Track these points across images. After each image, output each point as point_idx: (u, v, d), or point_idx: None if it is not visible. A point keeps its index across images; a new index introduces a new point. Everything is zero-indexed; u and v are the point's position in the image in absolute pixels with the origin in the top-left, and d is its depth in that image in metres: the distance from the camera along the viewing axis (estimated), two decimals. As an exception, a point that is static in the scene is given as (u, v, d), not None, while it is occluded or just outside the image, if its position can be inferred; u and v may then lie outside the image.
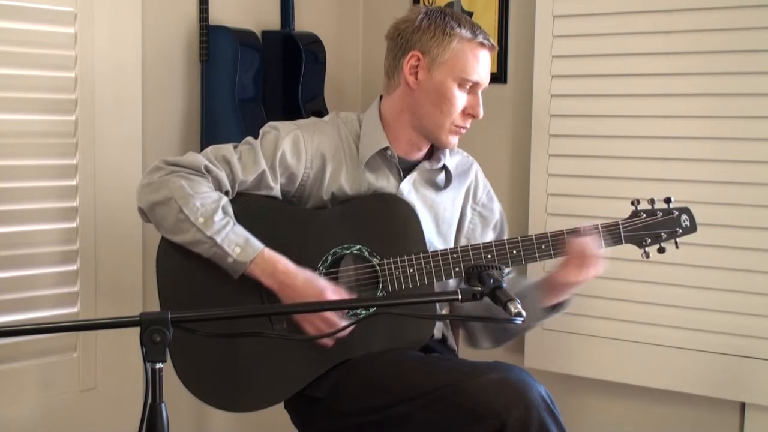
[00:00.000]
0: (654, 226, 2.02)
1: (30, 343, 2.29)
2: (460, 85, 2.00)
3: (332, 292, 1.92)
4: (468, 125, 2.06)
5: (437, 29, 1.99)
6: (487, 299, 1.54)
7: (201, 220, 1.89)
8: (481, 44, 2.01)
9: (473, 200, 2.18)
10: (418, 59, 2.01)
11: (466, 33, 2.00)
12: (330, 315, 1.93)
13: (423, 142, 2.08)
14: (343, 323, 1.91)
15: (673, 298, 2.41)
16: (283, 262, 1.92)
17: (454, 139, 2.06)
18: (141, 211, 1.99)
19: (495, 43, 2.05)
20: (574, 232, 2.00)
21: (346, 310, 1.97)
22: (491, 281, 1.56)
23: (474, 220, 2.17)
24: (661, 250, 2.04)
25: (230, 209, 1.95)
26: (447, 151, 2.11)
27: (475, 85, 2.02)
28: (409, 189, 2.08)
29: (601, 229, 2.01)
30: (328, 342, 1.94)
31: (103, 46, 2.37)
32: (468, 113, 2.03)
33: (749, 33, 2.28)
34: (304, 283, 1.91)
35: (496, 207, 2.22)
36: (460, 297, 1.52)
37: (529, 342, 2.62)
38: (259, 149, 2.01)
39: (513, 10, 2.68)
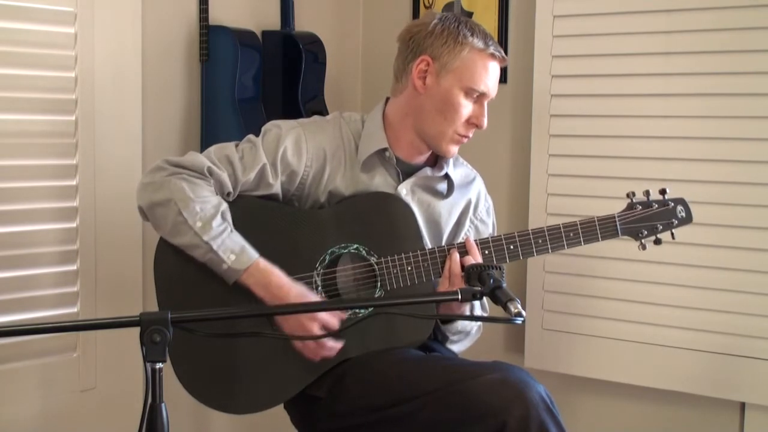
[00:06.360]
0: (650, 218, 2.03)
1: (30, 343, 2.29)
2: (467, 94, 2.00)
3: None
4: (470, 134, 2.05)
5: (449, 36, 1.99)
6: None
7: (199, 224, 1.90)
8: (492, 55, 2.00)
9: (473, 213, 2.18)
10: (428, 64, 2.00)
11: (478, 43, 1.99)
12: (326, 319, 1.93)
13: (424, 146, 2.08)
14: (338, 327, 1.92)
15: (673, 298, 2.41)
16: (277, 275, 1.92)
17: (453, 148, 2.05)
18: (140, 209, 1.99)
19: (505, 55, 2.04)
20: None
21: (347, 315, 1.97)
22: (491, 281, 1.56)
23: (469, 232, 2.17)
24: (658, 242, 2.04)
25: (229, 216, 1.95)
26: (450, 159, 2.11)
27: (482, 95, 2.01)
28: (406, 192, 2.08)
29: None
30: (330, 352, 1.93)
31: (103, 46, 2.37)
32: (472, 123, 2.02)
33: (749, 33, 2.28)
34: (297, 298, 1.90)
35: (491, 222, 2.23)
36: (459, 297, 1.52)
37: (529, 342, 2.62)
38: (260, 146, 2.01)
39: (513, 10, 2.68)
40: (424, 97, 2.02)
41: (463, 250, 2.00)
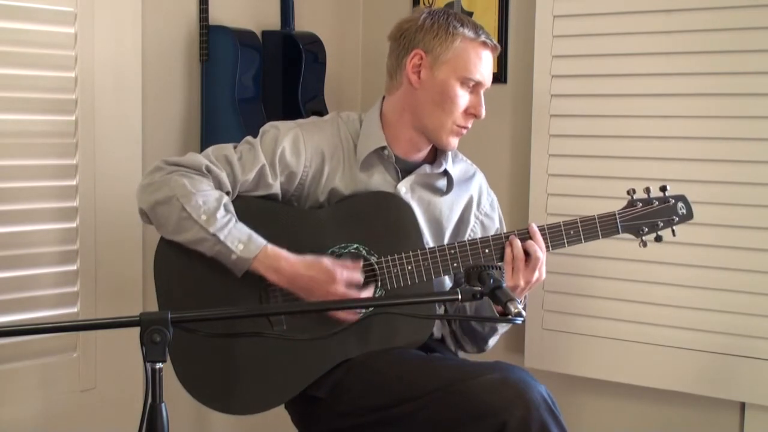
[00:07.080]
0: (650, 215, 2.02)
1: (30, 343, 2.29)
2: (463, 84, 2.00)
3: (340, 267, 1.92)
4: (469, 125, 2.05)
5: (440, 28, 2.00)
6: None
7: (204, 217, 1.90)
8: (484, 44, 2.01)
9: (477, 208, 2.18)
10: (421, 58, 2.01)
11: (468, 32, 2.00)
12: (350, 275, 1.93)
13: (424, 142, 2.08)
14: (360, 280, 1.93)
15: (673, 298, 2.40)
16: (285, 257, 1.92)
17: (454, 140, 2.06)
18: (142, 212, 1.99)
19: (497, 43, 2.05)
20: (524, 232, 2.00)
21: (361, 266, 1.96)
22: (491, 281, 1.56)
23: (475, 228, 2.17)
24: (658, 239, 2.04)
25: (231, 207, 1.95)
26: (449, 156, 2.11)
27: (478, 84, 2.02)
28: (406, 190, 2.08)
29: (547, 229, 2.00)
30: (350, 315, 1.94)
31: (103, 46, 2.37)
32: (470, 113, 2.03)
33: (749, 33, 2.28)
34: (310, 268, 1.91)
35: (497, 216, 2.23)
36: (460, 297, 1.52)
37: (529, 342, 2.62)
38: (258, 147, 2.01)
39: (513, 10, 2.68)
40: (420, 91, 2.03)
41: (526, 235, 1.99)
